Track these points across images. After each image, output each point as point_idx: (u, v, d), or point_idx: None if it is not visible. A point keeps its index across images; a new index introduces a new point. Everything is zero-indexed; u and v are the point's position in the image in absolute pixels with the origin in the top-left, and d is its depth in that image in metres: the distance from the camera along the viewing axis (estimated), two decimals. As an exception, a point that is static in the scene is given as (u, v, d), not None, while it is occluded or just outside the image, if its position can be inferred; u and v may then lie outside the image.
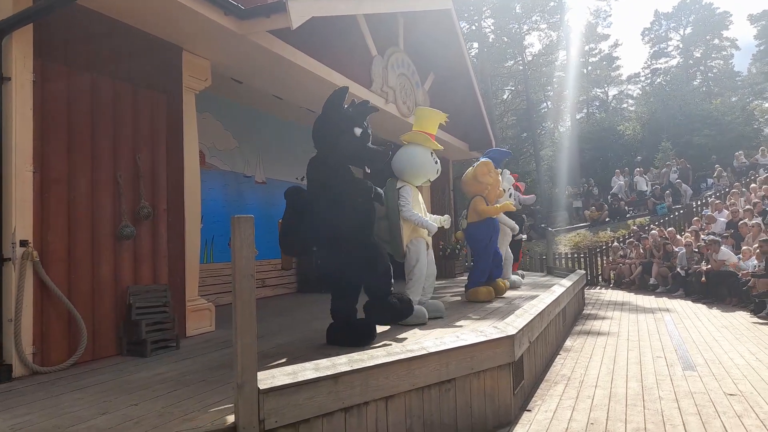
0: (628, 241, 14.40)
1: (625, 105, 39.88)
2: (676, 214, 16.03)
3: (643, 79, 40.23)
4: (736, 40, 38.35)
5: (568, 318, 7.48)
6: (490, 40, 33.09)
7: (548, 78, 34.14)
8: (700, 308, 9.10)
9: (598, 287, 14.01)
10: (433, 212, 6.17)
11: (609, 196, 20.06)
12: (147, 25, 4.38)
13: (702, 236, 10.97)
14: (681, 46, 38.60)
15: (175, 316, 4.29)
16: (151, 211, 4.34)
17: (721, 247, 9.68)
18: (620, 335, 6.84)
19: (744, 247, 9.60)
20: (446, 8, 8.85)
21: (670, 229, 13.49)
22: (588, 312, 9.18)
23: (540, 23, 34.19)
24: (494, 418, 3.62)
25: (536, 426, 3.64)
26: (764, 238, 8.59)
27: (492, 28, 33.48)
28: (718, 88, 36.59)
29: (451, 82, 10.08)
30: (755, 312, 7.95)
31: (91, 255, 3.91)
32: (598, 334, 7.00)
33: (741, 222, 10.79)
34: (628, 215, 18.79)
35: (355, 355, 2.99)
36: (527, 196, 9.22)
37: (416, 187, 5.14)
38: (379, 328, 4.50)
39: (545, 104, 36.43)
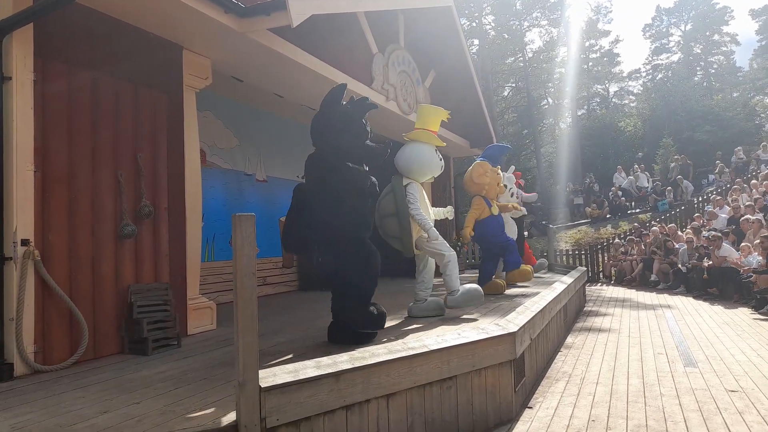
0: (628, 238, 14.38)
1: (626, 101, 39.77)
2: (677, 210, 16.01)
3: (644, 75, 40.12)
4: (737, 35, 38.22)
5: (570, 315, 7.48)
6: (491, 36, 33.00)
7: (549, 75, 34.04)
8: (701, 305, 9.10)
9: (599, 284, 14.01)
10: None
11: (610, 193, 20.03)
12: (147, 24, 4.37)
13: (704, 232, 10.96)
14: (682, 42, 38.47)
15: (176, 315, 4.30)
16: (152, 209, 4.34)
17: (723, 243, 9.67)
18: (621, 332, 6.85)
19: (743, 243, 9.60)
20: (447, 5, 8.83)
21: (671, 225, 13.48)
22: (589, 309, 9.18)
23: (540, 20, 34.14)
24: (495, 416, 3.63)
25: (537, 423, 3.64)
26: (766, 234, 8.59)
27: (492, 24, 33.40)
28: (720, 83, 36.46)
29: (451, 79, 10.06)
30: (756, 308, 7.94)
31: (93, 254, 3.92)
32: (600, 330, 7.01)
33: (743, 218, 10.78)
34: (629, 211, 18.77)
35: (356, 353, 2.99)
36: (529, 194, 9.23)
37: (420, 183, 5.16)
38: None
39: (546, 101, 36.37)
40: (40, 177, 3.61)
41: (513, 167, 8.91)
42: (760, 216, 10.77)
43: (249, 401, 2.32)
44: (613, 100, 39.60)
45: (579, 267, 11.87)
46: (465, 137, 10.89)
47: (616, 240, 14.98)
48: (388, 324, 4.59)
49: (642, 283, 12.47)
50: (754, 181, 14.31)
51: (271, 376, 2.50)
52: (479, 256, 8.47)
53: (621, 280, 13.38)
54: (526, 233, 9.27)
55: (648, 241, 12.81)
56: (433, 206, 5.46)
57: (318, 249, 4.01)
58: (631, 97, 39.88)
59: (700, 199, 15.93)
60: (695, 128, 22.93)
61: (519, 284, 7.24)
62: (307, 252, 4.17)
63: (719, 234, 9.95)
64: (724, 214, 12.28)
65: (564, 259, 15.23)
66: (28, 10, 3.40)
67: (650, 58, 40.28)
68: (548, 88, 35.44)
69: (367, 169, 4.05)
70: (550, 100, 36.34)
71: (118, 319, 4.07)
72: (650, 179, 19.79)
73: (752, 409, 3.77)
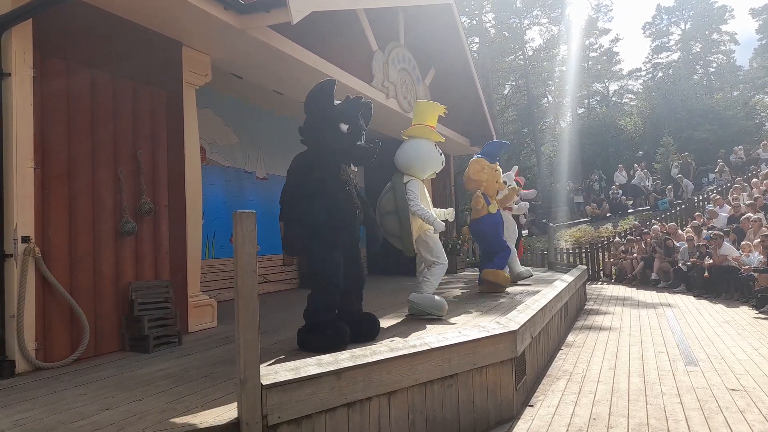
0: (627, 238, 14.38)
1: (625, 100, 39.77)
2: (678, 209, 16.01)
3: (644, 73, 40.10)
4: (736, 34, 38.22)
5: (570, 313, 7.48)
6: (491, 34, 32.99)
7: (549, 73, 34.06)
8: (702, 303, 9.10)
9: (600, 282, 14.01)
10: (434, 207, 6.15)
11: (611, 191, 20.02)
12: (147, 21, 4.36)
13: (704, 232, 10.95)
14: (681, 40, 38.43)
15: (177, 312, 4.29)
16: (152, 207, 4.33)
17: (724, 242, 9.67)
18: (622, 330, 6.84)
19: (744, 242, 9.59)
20: (447, 2, 8.81)
21: (671, 224, 13.47)
22: (590, 307, 9.18)
23: (541, 18, 34.15)
24: (496, 414, 3.62)
25: (538, 421, 3.64)
26: (766, 233, 8.58)
27: (493, 22, 33.39)
28: (720, 82, 36.47)
29: (452, 77, 10.05)
30: (757, 307, 7.94)
31: (93, 251, 3.91)
32: (600, 329, 7.00)
33: (744, 217, 10.78)
34: (630, 210, 18.77)
35: (357, 351, 2.99)
36: (528, 191, 9.22)
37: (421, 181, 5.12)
38: (384, 323, 4.50)
39: (546, 99, 36.35)
40: (40, 174, 3.60)
41: (516, 167, 8.92)
42: (760, 215, 10.76)
43: (250, 399, 2.31)
44: (613, 98, 39.59)
45: (579, 265, 11.87)
46: (465, 135, 10.87)
47: (617, 239, 14.98)
48: (388, 323, 4.59)
49: (642, 281, 12.47)
50: (754, 180, 14.30)
51: (273, 374, 2.50)
52: (479, 255, 8.44)
53: (621, 279, 13.38)
54: (525, 232, 9.26)
55: (648, 240, 12.80)
56: (433, 206, 5.42)
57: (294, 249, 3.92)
58: (630, 95, 39.87)
59: (701, 197, 15.93)
60: (695, 127, 22.94)
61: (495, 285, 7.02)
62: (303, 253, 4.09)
63: (720, 233, 9.95)
64: (724, 213, 12.28)
65: (564, 257, 15.25)
66: (28, 5, 3.38)
67: (650, 57, 40.29)
68: (548, 86, 35.45)
69: (356, 169, 3.94)
70: (550, 98, 36.34)
71: (119, 317, 4.06)
72: (650, 177, 19.79)
73: (753, 408, 3.77)
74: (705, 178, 18.59)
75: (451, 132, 9.92)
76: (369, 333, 3.89)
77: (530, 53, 33.90)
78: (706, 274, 9.78)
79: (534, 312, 4.54)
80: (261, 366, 2.42)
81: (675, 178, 18.36)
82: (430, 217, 4.77)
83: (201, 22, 4.44)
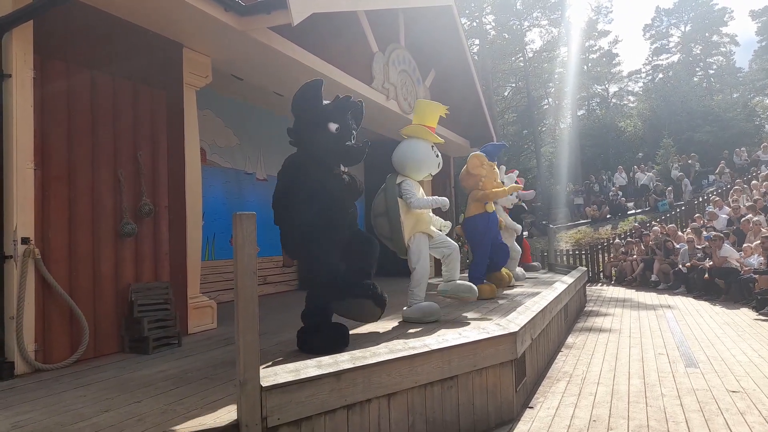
0: (626, 240, 14.37)
1: (625, 102, 39.79)
2: (678, 210, 16.00)
3: (644, 75, 40.15)
4: (736, 36, 38.25)
5: (570, 315, 7.47)
6: (491, 36, 33.02)
7: (549, 75, 34.06)
8: (702, 305, 9.09)
9: (600, 284, 14.00)
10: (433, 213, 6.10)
11: (610, 193, 20.03)
12: (147, 22, 4.36)
13: (704, 233, 10.95)
14: (681, 42, 38.47)
15: (176, 314, 4.29)
16: (152, 208, 4.33)
17: (724, 244, 9.66)
18: (622, 332, 6.84)
19: (745, 244, 9.59)
20: (447, 4, 8.82)
21: (671, 225, 13.47)
22: (590, 309, 9.17)
23: (541, 20, 34.17)
24: (496, 415, 3.62)
25: (538, 423, 3.63)
26: (766, 235, 8.58)
27: (493, 24, 33.43)
28: (720, 84, 36.48)
29: (452, 78, 10.05)
30: (757, 309, 7.93)
31: (93, 252, 3.91)
32: (600, 331, 7.00)
33: (744, 219, 10.77)
34: (629, 212, 18.77)
35: (357, 353, 2.98)
36: (526, 192, 9.21)
37: (418, 182, 5.08)
38: (384, 324, 4.50)
39: (546, 101, 36.37)
40: (40, 175, 3.60)
41: (517, 172, 8.93)
42: (760, 217, 10.76)
43: (250, 400, 2.31)
44: (613, 100, 39.62)
45: (579, 267, 11.86)
46: (465, 137, 10.88)
47: (617, 240, 14.97)
48: (388, 324, 4.58)
49: (642, 283, 12.46)
50: (754, 182, 14.30)
51: (272, 376, 2.49)
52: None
53: (621, 281, 13.37)
54: (525, 233, 9.25)
55: (648, 241, 12.79)
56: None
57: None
58: (630, 97, 39.92)
59: (701, 199, 15.93)
60: (695, 129, 22.94)
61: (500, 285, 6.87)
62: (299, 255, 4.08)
63: (720, 234, 9.95)
64: (724, 215, 12.28)
65: (564, 259, 15.24)
66: (28, 7, 3.38)
67: (650, 59, 40.35)
68: (548, 88, 35.44)
69: (345, 169, 3.92)
70: (550, 100, 36.35)
71: (119, 318, 4.06)
72: (653, 181, 19.79)
73: (754, 410, 3.76)
74: (705, 180, 18.59)
75: (451, 133, 9.92)
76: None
77: (530, 55, 33.91)
78: (707, 275, 9.77)
79: (534, 314, 4.54)
80: (261, 367, 2.42)
81: (675, 179, 18.36)
82: (433, 199, 4.71)
83: (201, 24, 4.44)
